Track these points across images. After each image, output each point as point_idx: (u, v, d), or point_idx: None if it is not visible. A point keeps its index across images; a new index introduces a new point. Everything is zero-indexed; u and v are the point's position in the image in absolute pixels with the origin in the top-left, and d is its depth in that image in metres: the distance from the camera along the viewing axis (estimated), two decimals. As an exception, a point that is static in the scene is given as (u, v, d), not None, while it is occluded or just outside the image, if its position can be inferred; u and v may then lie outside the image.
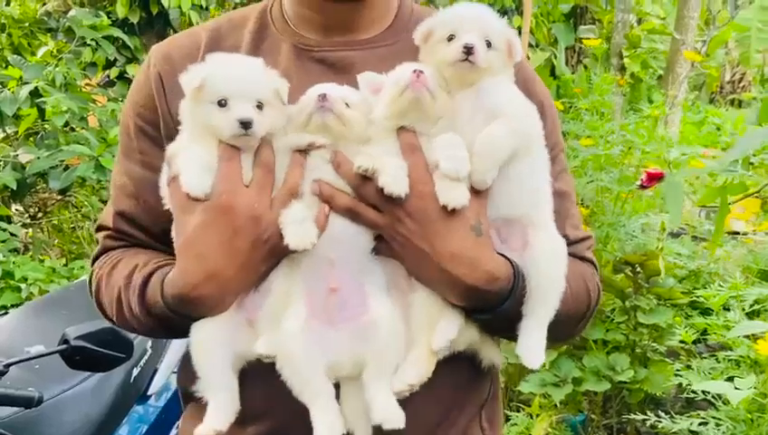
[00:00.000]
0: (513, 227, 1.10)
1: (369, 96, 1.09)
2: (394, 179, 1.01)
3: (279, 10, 1.26)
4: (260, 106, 1.03)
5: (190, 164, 1.03)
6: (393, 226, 1.04)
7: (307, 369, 1.03)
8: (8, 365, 1.72)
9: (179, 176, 1.03)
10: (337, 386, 1.07)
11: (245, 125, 1.01)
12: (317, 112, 1.03)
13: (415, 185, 1.02)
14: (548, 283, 1.08)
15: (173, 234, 1.10)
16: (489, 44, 1.07)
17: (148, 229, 1.22)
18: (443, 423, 1.21)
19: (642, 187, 2.29)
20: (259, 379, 1.07)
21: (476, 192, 1.05)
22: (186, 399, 1.30)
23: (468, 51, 1.03)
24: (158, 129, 1.20)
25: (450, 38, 1.06)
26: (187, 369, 1.26)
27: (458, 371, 1.18)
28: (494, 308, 1.07)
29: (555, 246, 1.10)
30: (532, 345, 1.07)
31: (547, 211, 1.13)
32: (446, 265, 1.03)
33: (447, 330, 1.06)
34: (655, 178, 2.19)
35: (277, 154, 1.06)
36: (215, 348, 1.06)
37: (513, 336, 1.10)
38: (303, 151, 1.06)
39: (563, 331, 1.22)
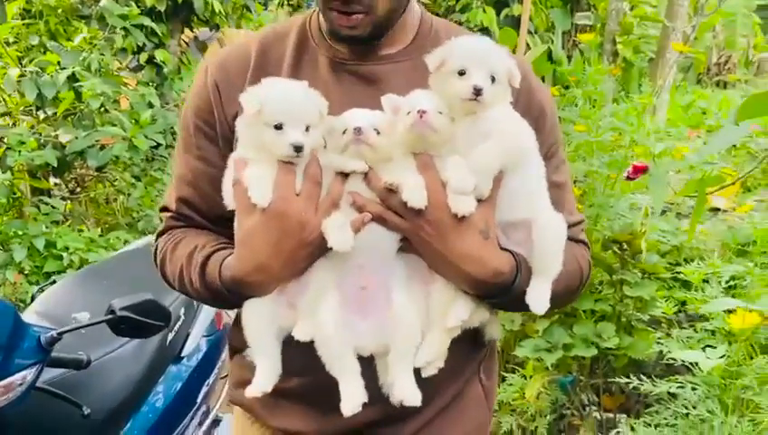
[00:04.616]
0: (516, 226, 1.19)
1: (391, 116, 1.15)
2: (414, 194, 1.10)
3: (317, 24, 1.31)
4: (307, 128, 1.11)
5: (257, 178, 1.12)
6: (415, 231, 1.13)
7: (337, 350, 1.15)
8: (61, 333, 1.79)
9: (249, 188, 1.11)
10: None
11: (298, 149, 1.09)
12: (353, 144, 1.11)
13: (431, 197, 1.10)
14: (548, 249, 1.18)
15: (235, 225, 1.18)
16: (493, 79, 1.12)
17: (205, 214, 1.32)
18: (442, 384, 1.29)
19: (629, 178, 2.33)
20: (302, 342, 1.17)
21: (482, 202, 1.13)
22: (232, 351, 1.43)
23: (478, 92, 1.09)
24: (214, 129, 1.29)
25: (461, 72, 1.11)
26: (236, 330, 1.38)
27: (461, 344, 1.25)
28: (502, 295, 1.17)
29: (552, 222, 1.20)
30: (538, 296, 1.17)
31: (543, 204, 1.21)
32: (459, 264, 1.13)
33: (459, 312, 1.17)
34: (640, 170, 2.24)
35: (323, 169, 1.15)
36: (261, 322, 1.19)
37: (519, 309, 1.21)
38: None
39: (560, 302, 1.32)
